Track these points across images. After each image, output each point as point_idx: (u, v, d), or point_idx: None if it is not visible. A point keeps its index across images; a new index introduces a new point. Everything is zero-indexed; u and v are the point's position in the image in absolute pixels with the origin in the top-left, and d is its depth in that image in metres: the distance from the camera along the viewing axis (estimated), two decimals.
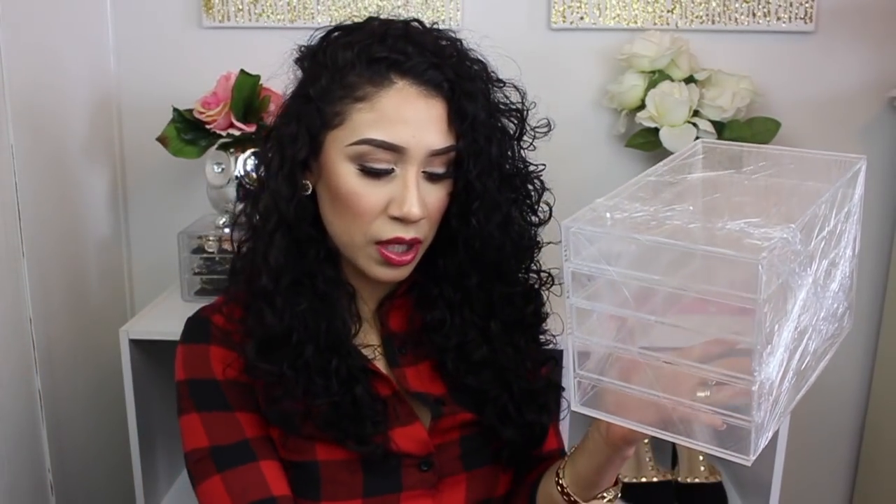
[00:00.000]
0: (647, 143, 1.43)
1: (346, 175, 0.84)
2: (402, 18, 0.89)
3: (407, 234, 0.85)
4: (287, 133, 0.86)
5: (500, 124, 0.91)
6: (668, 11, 1.51)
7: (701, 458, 1.48)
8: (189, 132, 1.38)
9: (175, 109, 1.38)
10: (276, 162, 0.86)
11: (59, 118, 1.43)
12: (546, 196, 0.98)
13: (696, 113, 1.40)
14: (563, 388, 0.99)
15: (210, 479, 0.87)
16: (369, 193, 0.84)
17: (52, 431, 1.35)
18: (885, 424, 1.60)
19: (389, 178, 0.84)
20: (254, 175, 0.94)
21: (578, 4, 1.51)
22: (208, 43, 1.56)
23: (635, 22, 1.52)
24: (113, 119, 1.59)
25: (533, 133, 0.95)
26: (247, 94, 1.34)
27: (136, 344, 1.30)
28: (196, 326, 0.93)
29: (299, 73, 0.90)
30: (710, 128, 1.38)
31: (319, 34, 0.89)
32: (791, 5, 1.50)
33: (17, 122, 1.25)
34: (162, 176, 1.61)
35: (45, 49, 1.37)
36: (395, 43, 0.84)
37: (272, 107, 1.35)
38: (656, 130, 1.40)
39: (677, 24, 1.52)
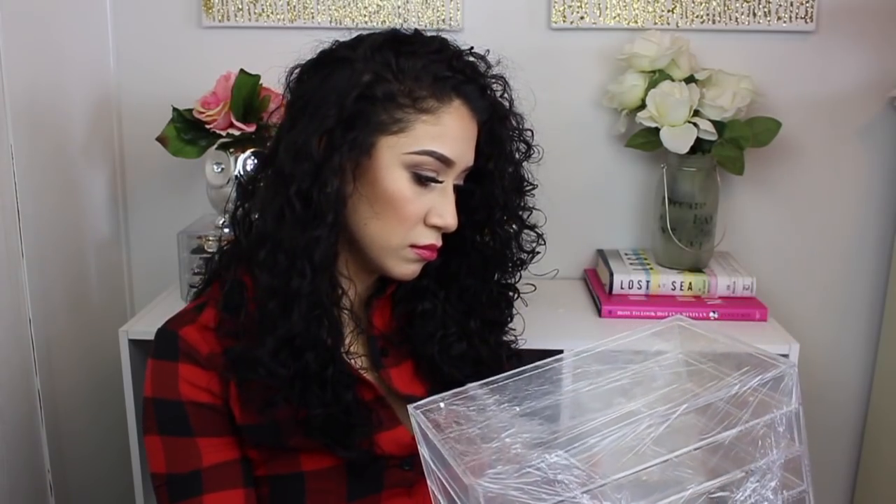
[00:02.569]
0: (648, 143, 1.43)
1: (399, 180, 0.87)
2: (439, 34, 0.94)
3: (439, 241, 0.92)
4: (349, 138, 0.85)
5: (517, 147, 1.00)
6: (669, 11, 1.51)
7: None
8: (189, 132, 1.38)
9: (175, 109, 1.38)
10: (336, 162, 0.85)
11: (58, 118, 1.43)
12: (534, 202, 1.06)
13: (696, 113, 1.40)
14: None
15: None
16: (416, 200, 0.88)
17: (51, 432, 1.35)
18: (885, 425, 1.60)
19: (432, 187, 0.89)
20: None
21: (578, 4, 1.51)
22: (208, 43, 1.55)
23: (635, 22, 1.52)
24: (113, 119, 1.59)
25: (529, 155, 1.03)
26: (246, 94, 1.34)
27: (135, 344, 1.30)
28: (164, 341, 0.91)
29: (324, 69, 0.89)
30: (710, 128, 1.38)
31: (361, 35, 0.91)
32: (791, 5, 1.50)
33: (17, 122, 1.25)
34: (162, 176, 1.61)
35: (45, 49, 1.37)
36: (457, 64, 0.91)
37: (272, 106, 1.35)
38: (657, 130, 1.40)
39: (678, 24, 1.51)
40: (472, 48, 0.96)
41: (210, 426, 0.89)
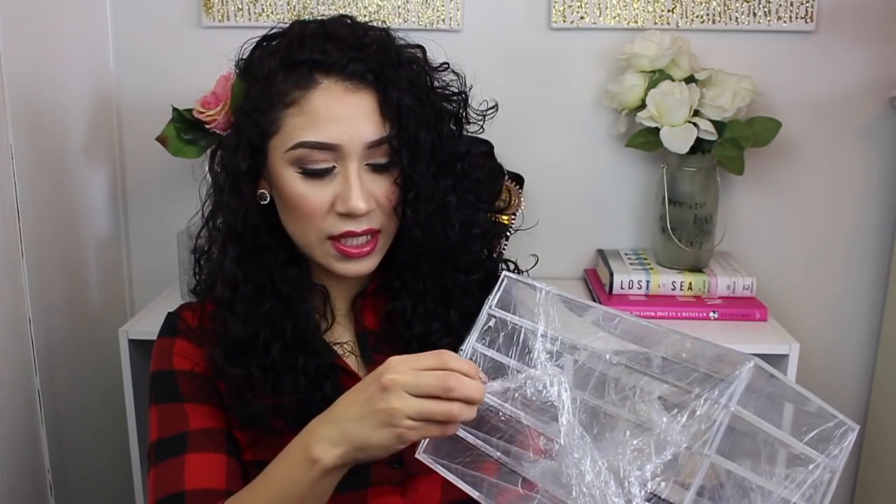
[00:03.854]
0: (648, 143, 1.43)
1: (289, 180, 0.86)
2: (325, 17, 0.91)
3: (358, 226, 0.87)
4: (229, 145, 0.89)
5: (433, 110, 0.90)
6: (669, 11, 1.51)
7: None
8: (189, 132, 1.38)
9: (175, 109, 1.38)
10: (222, 175, 0.89)
11: (58, 118, 1.42)
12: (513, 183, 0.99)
13: (696, 113, 1.40)
14: None
15: (149, 472, 0.90)
16: (314, 194, 0.86)
17: (51, 431, 1.35)
18: (885, 425, 1.60)
19: (332, 176, 0.86)
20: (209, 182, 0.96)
21: (578, 4, 1.51)
22: (208, 43, 1.55)
23: (635, 21, 1.52)
24: (113, 119, 1.59)
25: (483, 116, 0.95)
26: None
27: (135, 344, 1.30)
28: (169, 321, 0.96)
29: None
30: (710, 127, 1.38)
31: (249, 45, 0.91)
32: (791, 5, 1.50)
33: (17, 122, 1.25)
34: (162, 176, 1.61)
35: (45, 49, 1.37)
36: (314, 43, 0.86)
37: None
38: (657, 130, 1.40)
39: (678, 24, 1.51)
40: (350, 18, 0.90)
41: (198, 394, 0.91)
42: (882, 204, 1.59)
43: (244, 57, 0.92)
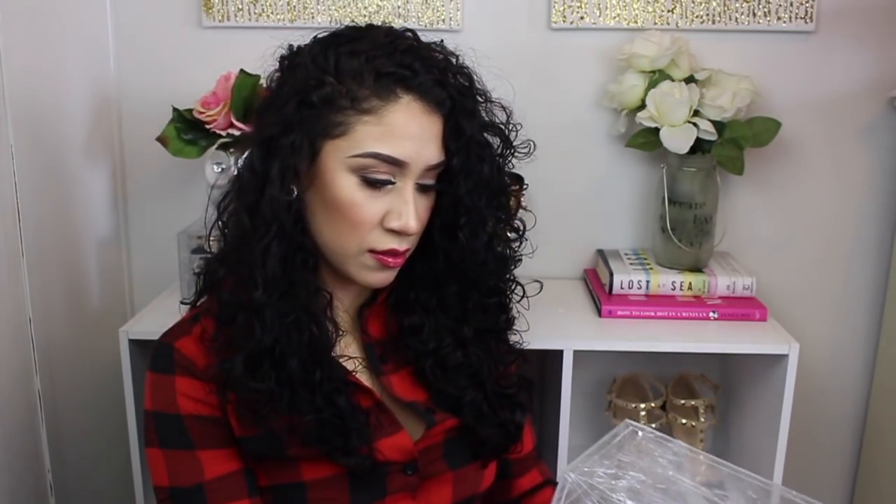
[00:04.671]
0: (648, 143, 1.43)
1: (346, 185, 0.85)
2: (402, 28, 0.90)
3: (401, 245, 0.88)
4: (287, 142, 0.84)
5: (490, 141, 0.92)
6: (669, 11, 1.51)
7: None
8: (189, 132, 1.38)
9: (175, 109, 1.38)
10: (275, 171, 0.84)
11: (58, 118, 1.43)
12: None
13: (696, 113, 1.40)
14: (534, 383, 1.03)
15: None
16: (368, 204, 0.85)
17: (51, 432, 1.35)
18: (885, 425, 1.60)
19: (388, 189, 0.86)
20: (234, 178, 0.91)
21: (578, 4, 1.51)
22: (208, 43, 1.55)
23: (635, 22, 1.52)
24: (113, 119, 1.59)
25: (513, 151, 0.96)
26: (246, 94, 1.34)
27: (135, 344, 1.30)
28: (161, 354, 0.91)
29: (279, 76, 0.89)
30: (710, 128, 1.38)
31: (317, 37, 0.89)
32: (791, 5, 1.50)
33: (17, 122, 1.25)
34: (162, 176, 1.61)
35: (45, 49, 1.37)
36: (403, 58, 0.85)
37: None
38: (656, 130, 1.40)
39: (677, 24, 1.51)
40: (441, 41, 0.91)
41: (211, 438, 0.89)
42: (882, 204, 1.59)
43: (306, 45, 0.89)
